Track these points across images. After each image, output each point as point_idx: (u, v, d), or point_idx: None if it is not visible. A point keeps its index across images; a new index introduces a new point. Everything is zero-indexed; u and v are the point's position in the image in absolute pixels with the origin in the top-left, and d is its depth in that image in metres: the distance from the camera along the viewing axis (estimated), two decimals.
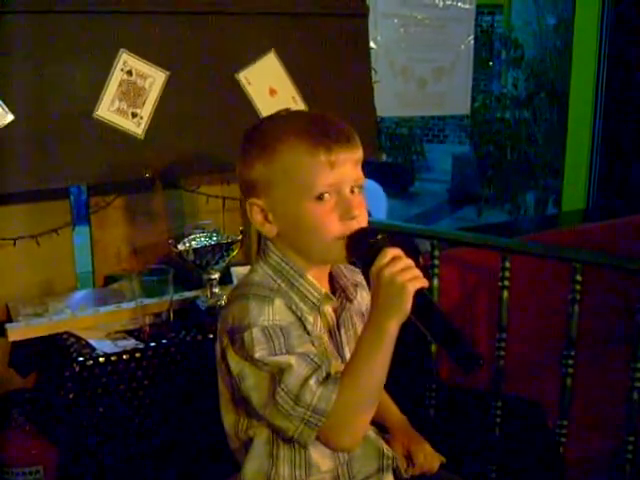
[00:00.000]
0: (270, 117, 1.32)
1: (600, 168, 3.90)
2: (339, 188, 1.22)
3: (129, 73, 2.02)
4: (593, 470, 2.07)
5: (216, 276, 2.00)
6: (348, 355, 1.32)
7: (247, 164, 1.26)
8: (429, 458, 1.46)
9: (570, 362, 1.95)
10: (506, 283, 2.05)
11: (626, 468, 1.90)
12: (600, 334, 2.57)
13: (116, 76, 2.00)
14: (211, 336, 1.90)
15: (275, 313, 1.19)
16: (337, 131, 1.22)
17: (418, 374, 2.22)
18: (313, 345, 1.22)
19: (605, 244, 2.67)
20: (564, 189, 4.09)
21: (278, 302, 1.21)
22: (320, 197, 1.20)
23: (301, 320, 1.23)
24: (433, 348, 2.20)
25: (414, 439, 1.48)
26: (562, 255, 2.06)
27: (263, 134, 1.26)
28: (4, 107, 1.85)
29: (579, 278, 1.92)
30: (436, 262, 2.15)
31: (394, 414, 1.52)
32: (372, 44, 2.62)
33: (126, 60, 2.01)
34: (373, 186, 4.67)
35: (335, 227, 1.21)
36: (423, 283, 1.15)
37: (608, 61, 3.80)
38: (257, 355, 1.16)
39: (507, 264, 2.05)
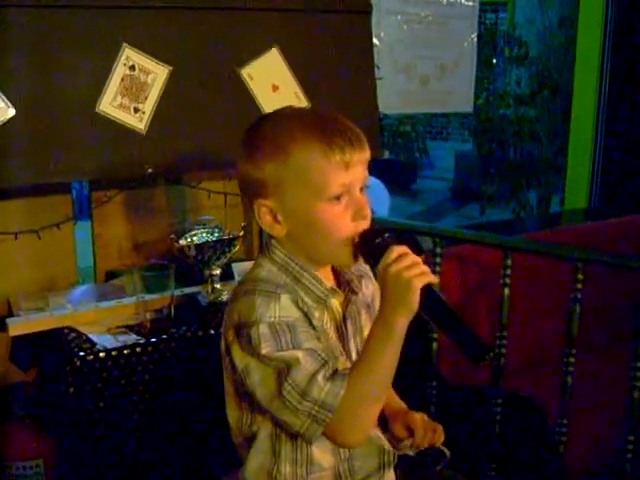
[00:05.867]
0: (274, 115, 1.29)
1: (603, 166, 3.89)
2: (351, 189, 1.22)
3: (132, 68, 2.02)
4: (593, 469, 2.07)
5: (217, 272, 2.01)
6: (353, 349, 1.33)
7: (255, 164, 1.23)
8: (429, 427, 1.42)
9: (571, 360, 1.95)
10: (507, 281, 2.05)
11: (626, 467, 1.91)
12: (601, 332, 2.57)
13: (119, 71, 2.00)
14: (212, 332, 1.90)
15: (282, 309, 1.19)
16: (349, 131, 1.22)
17: (419, 371, 2.22)
18: (319, 341, 1.22)
19: (607, 243, 2.67)
20: (567, 187, 4.09)
21: (284, 298, 1.21)
22: (337, 198, 1.20)
23: (307, 315, 1.23)
24: (434, 345, 2.20)
25: (413, 415, 1.45)
26: (563, 253, 2.06)
27: (272, 134, 1.23)
28: (6, 101, 1.85)
29: (580, 276, 1.92)
30: (438, 260, 2.15)
31: (396, 402, 1.51)
32: (375, 41, 2.62)
33: (129, 55, 2.01)
34: (376, 183, 4.66)
35: (347, 228, 1.22)
36: (430, 279, 1.15)
37: (612, 58, 3.79)
38: (264, 351, 1.16)
39: (508, 262, 2.05)
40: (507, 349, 2.08)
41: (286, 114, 1.28)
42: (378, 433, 1.39)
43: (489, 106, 6.83)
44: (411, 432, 1.41)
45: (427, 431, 1.41)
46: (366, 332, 1.31)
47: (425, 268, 1.16)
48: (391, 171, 8.00)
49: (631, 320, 1.89)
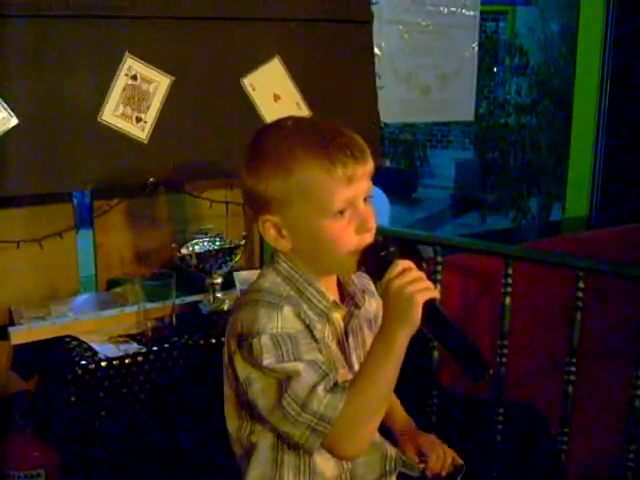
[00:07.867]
0: (275, 129, 1.28)
1: (603, 174, 3.90)
2: (355, 201, 1.22)
3: (134, 78, 2.02)
4: (594, 478, 2.07)
5: (219, 281, 2.01)
6: (355, 363, 1.32)
7: (259, 179, 1.22)
8: (440, 449, 1.43)
9: (572, 369, 1.95)
10: (508, 290, 2.05)
11: (627, 475, 1.90)
12: (603, 341, 2.57)
13: (121, 80, 2.01)
14: (213, 340, 1.90)
15: (284, 321, 1.19)
16: (352, 145, 1.21)
17: (420, 381, 2.22)
18: (320, 353, 1.21)
19: (607, 251, 2.67)
20: (567, 196, 4.09)
21: (287, 310, 1.20)
22: (340, 212, 1.20)
23: (309, 328, 1.23)
24: (435, 355, 2.20)
25: (423, 437, 1.46)
26: (564, 262, 2.06)
27: (274, 150, 1.22)
28: (8, 110, 1.86)
29: (581, 285, 1.92)
30: (439, 268, 2.15)
31: (400, 415, 1.51)
32: (376, 50, 2.63)
33: (131, 65, 2.02)
34: (377, 192, 4.64)
35: (352, 241, 1.21)
36: (433, 294, 1.15)
37: (612, 68, 3.80)
38: (265, 362, 1.16)
39: (509, 271, 2.05)
40: (508, 358, 2.07)
41: (288, 127, 1.26)
42: (382, 440, 1.39)
43: (490, 115, 6.85)
44: (422, 454, 1.42)
45: (440, 454, 1.42)
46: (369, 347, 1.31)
47: (429, 283, 1.16)
48: (392, 180, 8.01)
49: (633, 328, 1.89)
